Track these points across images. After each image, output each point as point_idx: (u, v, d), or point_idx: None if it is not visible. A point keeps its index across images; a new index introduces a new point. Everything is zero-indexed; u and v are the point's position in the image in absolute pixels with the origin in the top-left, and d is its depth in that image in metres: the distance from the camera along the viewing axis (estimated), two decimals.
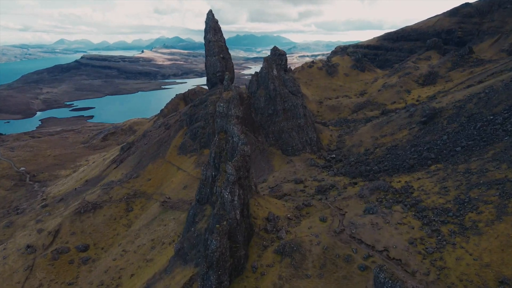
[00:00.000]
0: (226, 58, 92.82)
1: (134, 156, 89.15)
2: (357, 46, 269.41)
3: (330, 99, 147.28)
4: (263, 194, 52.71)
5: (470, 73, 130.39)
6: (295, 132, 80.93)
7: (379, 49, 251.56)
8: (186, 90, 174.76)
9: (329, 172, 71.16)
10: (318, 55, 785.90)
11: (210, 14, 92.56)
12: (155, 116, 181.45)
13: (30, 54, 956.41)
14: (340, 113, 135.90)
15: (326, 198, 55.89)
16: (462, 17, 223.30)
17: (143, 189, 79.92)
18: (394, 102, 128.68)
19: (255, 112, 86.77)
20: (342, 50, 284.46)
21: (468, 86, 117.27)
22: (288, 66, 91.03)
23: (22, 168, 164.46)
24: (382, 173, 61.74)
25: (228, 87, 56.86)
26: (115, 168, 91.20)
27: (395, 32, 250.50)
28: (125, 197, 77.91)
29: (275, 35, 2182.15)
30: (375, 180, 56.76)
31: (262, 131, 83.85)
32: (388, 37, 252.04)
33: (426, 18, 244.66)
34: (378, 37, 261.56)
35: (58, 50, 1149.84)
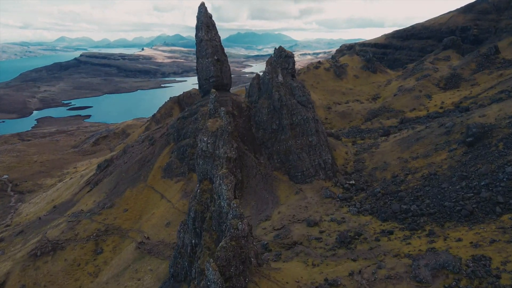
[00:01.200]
0: (221, 61, 75.99)
1: (111, 178, 73.02)
2: (364, 45, 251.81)
3: (339, 104, 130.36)
4: (267, 260, 36.20)
5: (499, 76, 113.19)
6: (305, 153, 64.36)
7: (388, 47, 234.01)
8: (181, 93, 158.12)
9: (350, 208, 54.74)
10: (320, 53, 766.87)
11: (202, 8, 75.76)
12: (147, 121, 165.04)
13: (30, 52, 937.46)
14: (351, 120, 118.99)
15: (355, 259, 39.53)
16: (477, 14, 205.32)
17: (117, 223, 63.62)
18: (414, 109, 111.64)
19: (256, 126, 70.21)
20: (348, 48, 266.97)
21: (501, 92, 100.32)
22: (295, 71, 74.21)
23: (5, 176, 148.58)
24: (427, 218, 45.39)
25: (215, 112, 40.20)
26: (88, 191, 75.21)
27: (404, 30, 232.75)
28: (94, 234, 61.55)
29: (276, 32, 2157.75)
30: (428, 235, 40.22)
31: (264, 151, 67.38)
32: (397, 35, 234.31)
33: (439, 15, 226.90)
34: (386, 35, 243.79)
35: (58, 48, 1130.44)
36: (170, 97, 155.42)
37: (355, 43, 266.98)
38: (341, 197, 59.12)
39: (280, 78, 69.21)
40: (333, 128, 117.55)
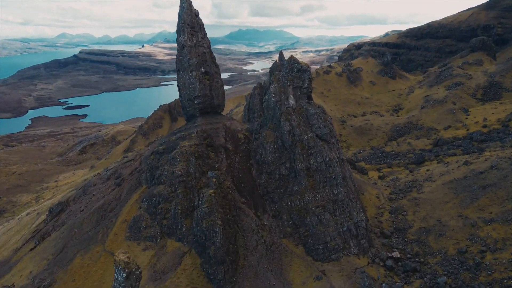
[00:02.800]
0: (211, 74, 54.51)
1: (60, 233, 52.30)
2: (374, 44, 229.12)
3: (355, 116, 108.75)
4: None
5: None
6: (328, 214, 43.30)
7: (400, 47, 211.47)
8: (173, 100, 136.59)
9: None
10: (322, 50, 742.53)
11: (185, 3, 54.20)
12: (134, 131, 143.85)
13: (30, 48, 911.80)
14: (371, 138, 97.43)
15: None
16: (502, 11, 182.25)
17: None
18: (449, 127, 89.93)
19: (258, 168, 49.01)
20: (356, 48, 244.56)
21: None
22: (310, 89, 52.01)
23: None
24: None
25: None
26: (31, 249, 54.77)
27: (419, 28, 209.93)
28: None
29: (277, 29, 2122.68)
30: None
31: (269, 206, 46.35)
32: (411, 33, 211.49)
33: (458, 11, 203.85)
34: (398, 34, 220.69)
35: (59, 44, 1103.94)
36: (160, 105, 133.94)
37: (364, 42, 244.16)
38: (388, 286, 38.39)
39: (292, 101, 47.93)
40: (349, 148, 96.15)
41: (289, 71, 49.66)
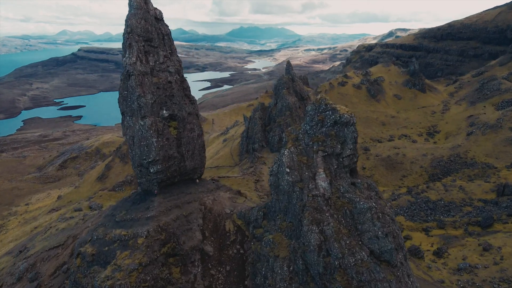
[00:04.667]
0: (180, 118, 31.40)
1: None
2: (387, 45, 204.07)
3: (379, 141, 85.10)
4: None
5: None
6: None
7: (417, 49, 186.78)
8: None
9: None
10: (325, 48, 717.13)
11: (134, 2, 30.81)
12: (110, 154, 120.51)
13: (31, 45, 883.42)
14: (405, 175, 73.78)
15: None
16: None
17: None
18: None
19: None
20: (367, 49, 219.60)
21: None
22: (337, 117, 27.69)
23: None
24: None
25: None
26: None
27: (438, 29, 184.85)
28: None
29: (279, 27, 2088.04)
30: None
31: None
32: (429, 34, 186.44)
33: (482, 10, 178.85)
34: (415, 34, 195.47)
35: (59, 41, 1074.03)
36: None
37: (376, 44, 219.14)
38: None
39: (323, 183, 24.27)
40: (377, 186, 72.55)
41: (317, 125, 26.19)
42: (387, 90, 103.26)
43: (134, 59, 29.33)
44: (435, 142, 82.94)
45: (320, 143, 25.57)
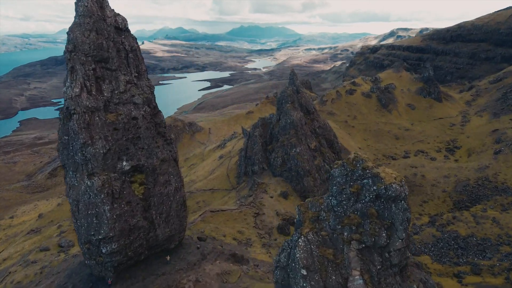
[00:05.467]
0: (148, 170, 22.26)
1: None
2: (393, 47, 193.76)
3: (394, 158, 75.40)
4: None
5: None
6: None
7: (425, 51, 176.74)
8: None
9: None
10: (325, 48, 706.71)
11: (82, 5, 21.35)
12: None
13: (30, 44, 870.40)
14: (425, 200, 64.22)
15: None
16: None
17: None
18: None
19: None
20: (372, 51, 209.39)
21: None
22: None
23: None
24: None
25: None
26: None
27: (447, 30, 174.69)
28: None
29: (279, 26, 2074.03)
30: None
31: None
32: (437, 36, 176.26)
33: (494, 10, 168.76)
34: (422, 36, 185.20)
35: (59, 40, 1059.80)
36: None
37: (381, 45, 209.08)
38: None
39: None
40: None
41: (349, 199, 16.69)
42: (399, 99, 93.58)
43: (78, 89, 19.63)
44: (456, 160, 73.27)
45: (354, 227, 16.20)
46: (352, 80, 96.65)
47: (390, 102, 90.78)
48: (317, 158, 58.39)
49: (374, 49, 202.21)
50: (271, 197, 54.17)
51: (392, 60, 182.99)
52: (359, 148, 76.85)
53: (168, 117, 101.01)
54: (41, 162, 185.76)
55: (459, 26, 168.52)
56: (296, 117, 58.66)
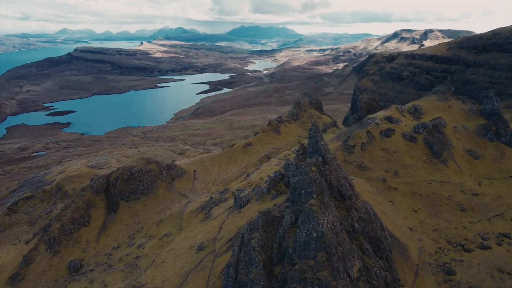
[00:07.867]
0: None
1: None
2: (413, 56, 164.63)
3: (467, 250, 47.01)
4: None
5: None
6: None
7: (452, 62, 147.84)
8: (114, 170, 75.23)
9: None
10: (327, 49, 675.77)
11: None
12: (35, 240, 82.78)
13: (29, 44, 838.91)
14: None
15: None
16: None
17: None
18: None
19: None
20: (388, 60, 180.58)
21: None
22: None
23: None
24: None
25: None
26: None
27: (479, 38, 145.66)
28: None
29: (280, 26, 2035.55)
30: None
31: None
32: (467, 44, 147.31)
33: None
34: (448, 44, 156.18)
35: (59, 40, 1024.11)
36: (92, 179, 72.52)
37: (398, 53, 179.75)
38: None
39: None
40: None
41: None
42: (454, 142, 65.30)
43: None
44: None
45: None
46: (388, 115, 68.10)
47: (443, 148, 62.26)
48: None
49: (390, 58, 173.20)
50: None
51: (412, 71, 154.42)
52: (410, 229, 48.70)
53: (140, 158, 71.87)
54: (7, 188, 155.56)
55: (494, 34, 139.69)
56: (326, 227, 30.25)
